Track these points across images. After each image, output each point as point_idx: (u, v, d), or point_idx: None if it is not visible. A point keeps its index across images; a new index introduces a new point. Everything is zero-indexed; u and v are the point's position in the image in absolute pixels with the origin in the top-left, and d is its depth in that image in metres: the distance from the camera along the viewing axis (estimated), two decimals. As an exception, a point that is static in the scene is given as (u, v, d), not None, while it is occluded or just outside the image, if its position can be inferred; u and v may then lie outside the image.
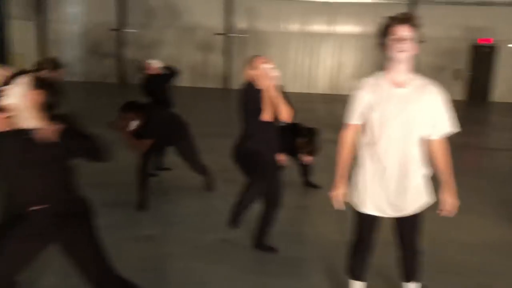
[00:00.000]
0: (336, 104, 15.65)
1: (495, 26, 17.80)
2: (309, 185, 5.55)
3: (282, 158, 5.04)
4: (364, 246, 2.91)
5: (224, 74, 18.87)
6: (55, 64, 4.59)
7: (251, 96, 3.66)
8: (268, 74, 3.62)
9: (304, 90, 18.75)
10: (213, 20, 18.60)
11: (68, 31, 19.10)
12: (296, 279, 3.42)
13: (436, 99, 2.68)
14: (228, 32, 18.57)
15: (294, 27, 18.65)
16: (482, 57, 18.19)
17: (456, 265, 3.75)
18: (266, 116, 3.65)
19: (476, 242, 4.23)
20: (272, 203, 3.74)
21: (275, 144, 3.85)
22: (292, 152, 5.28)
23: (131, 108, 4.71)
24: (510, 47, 17.83)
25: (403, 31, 2.57)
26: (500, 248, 4.12)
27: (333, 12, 18.25)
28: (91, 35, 18.98)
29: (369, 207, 2.78)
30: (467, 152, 8.82)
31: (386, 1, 18.05)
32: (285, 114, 3.64)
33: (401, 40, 2.56)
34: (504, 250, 4.07)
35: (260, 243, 3.84)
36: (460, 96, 18.37)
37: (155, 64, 6.39)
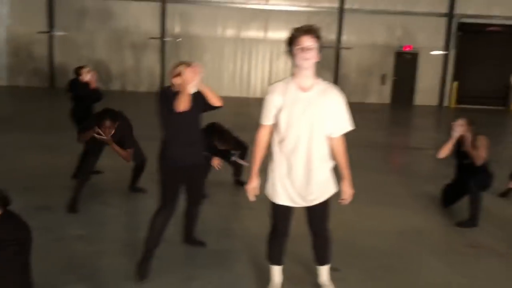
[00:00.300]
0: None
1: (416, 34, 19.12)
2: (239, 183, 5.81)
3: (216, 162, 5.30)
4: (280, 233, 3.20)
5: (159, 79, 18.81)
6: None
7: (165, 100, 3.50)
8: (194, 74, 3.45)
9: (242, 94, 19.12)
10: (148, 24, 18.52)
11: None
12: (222, 269, 3.65)
13: (336, 102, 3.03)
14: (162, 36, 18.54)
15: (230, 32, 18.97)
16: (405, 63, 19.43)
17: (367, 250, 4.14)
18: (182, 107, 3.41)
19: (387, 230, 4.67)
20: (195, 201, 3.90)
21: (194, 141, 3.65)
22: (223, 154, 5.53)
23: (108, 116, 4.87)
24: (429, 54, 19.18)
25: (307, 41, 2.87)
26: (408, 234, 4.58)
27: (267, 19, 18.76)
28: (17, 37, 18.25)
29: (281, 198, 3.07)
30: (391, 152, 9.51)
31: (316, 9, 18.83)
32: (216, 101, 3.60)
33: (305, 49, 2.87)
34: (411, 236, 4.53)
35: (189, 238, 4.04)
36: (387, 100, 19.52)
37: (91, 76, 6.23)
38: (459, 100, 19.23)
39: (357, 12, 18.78)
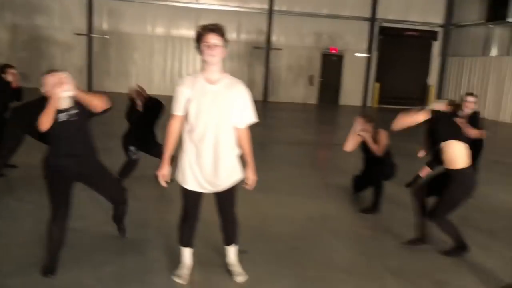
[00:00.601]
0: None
1: (341, 37, 20.04)
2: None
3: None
4: (190, 217, 3.40)
5: (87, 77, 18.32)
6: None
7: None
8: (57, 83, 3.35)
9: (173, 92, 19.01)
10: (74, 19, 17.99)
11: None
12: (137, 255, 3.78)
13: (242, 95, 3.27)
14: (90, 33, 18.09)
15: (160, 30, 18.87)
16: (331, 65, 20.30)
17: (276, 234, 4.44)
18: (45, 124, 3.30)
19: (298, 217, 5.01)
20: (114, 202, 3.94)
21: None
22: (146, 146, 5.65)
23: None
24: (353, 56, 20.18)
25: (213, 39, 3.10)
26: (316, 220, 4.94)
27: (197, 18, 18.83)
28: None
29: (191, 184, 3.28)
30: (315, 148, 9.99)
31: (246, 10, 19.19)
32: (99, 104, 3.51)
33: (211, 46, 3.09)
34: (318, 222, 4.89)
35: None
36: (314, 100, 20.30)
37: (13, 76, 6.10)
38: (381, 101, 20.41)
39: (285, 14, 19.37)
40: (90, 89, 18.25)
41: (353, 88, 20.36)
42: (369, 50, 20.27)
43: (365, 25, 20.12)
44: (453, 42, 20.36)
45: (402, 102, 20.65)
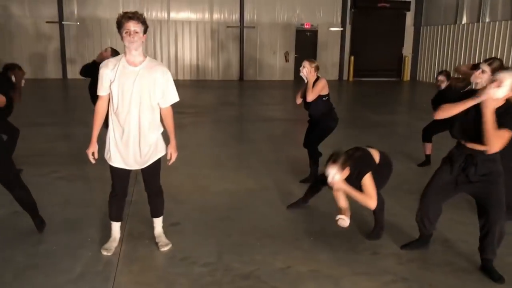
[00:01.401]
0: (180, 89, 16.30)
1: (315, 11, 20.07)
2: None
3: None
4: (118, 193, 3.63)
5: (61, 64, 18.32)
6: None
7: None
8: None
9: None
10: (45, 7, 17.87)
11: None
12: (72, 233, 3.99)
13: (163, 77, 3.46)
14: (61, 20, 18.00)
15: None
16: (306, 40, 20.36)
17: (212, 207, 4.68)
18: None
19: (237, 190, 5.25)
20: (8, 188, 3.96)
21: None
22: None
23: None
24: (328, 30, 20.24)
25: (132, 26, 3.28)
26: (254, 192, 5.18)
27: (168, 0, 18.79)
28: None
29: (117, 162, 3.49)
30: (278, 124, 10.15)
31: (219, -10, 19.14)
32: None
33: (130, 33, 3.27)
34: (256, 193, 5.14)
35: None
36: (291, 76, 20.42)
37: None
38: (357, 74, 20.58)
39: (259, -9, 19.36)
40: (65, 77, 18.28)
41: (329, 63, 20.47)
42: (343, 24, 20.34)
43: (338, -1, 20.16)
44: (425, 12, 20.46)
45: (378, 74, 20.89)
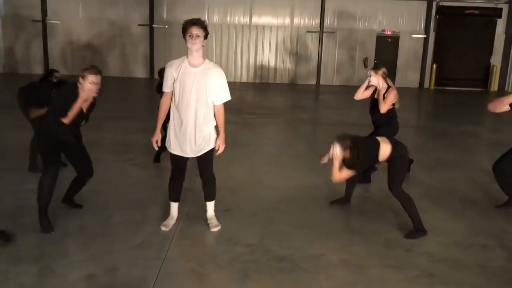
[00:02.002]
0: (256, 91, 16.99)
1: (397, 18, 19.78)
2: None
3: None
4: (176, 177, 4.16)
5: (149, 64, 19.76)
6: None
7: None
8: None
9: (229, 79, 19.89)
10: (137, 11, 19.40)
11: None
12: (139, 211, 4.59)
13: (218, 78, 3.94)
14: (151, 23, 19.42)
15: (216, 18, 19.77)
16: (386, 46, 20.12)
17: (262, 199, 5.06)
18: None
19: (289, 185, 5.59)
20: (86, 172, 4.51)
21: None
22: None
23: None
24: (410, 37, 19.83)
25: (194, 30, 3.79)
26: (305, 188, 5.49)
27: (251, 5, 19.55)
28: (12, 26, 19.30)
29: (175, 149, 4.02)
30: (341, 128, 10.31)
31: (299, -5, 19.55)
32: None
33: (192, 36, 3.78)
34: (306, 189, 5.43)
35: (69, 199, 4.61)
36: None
37: None
38: (438, 82, 19.93)
39: (339, -2, 19.50)
40: (152, 77, 19.68)
41: (409, 70, 20.07)
42: (426, 31, 19.83)
43: (422, 5, 19.69)
44: (519, 19, 19.36)
45: (461, 84, 20.04)
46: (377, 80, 5.40)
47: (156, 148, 4.15)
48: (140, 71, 19.91)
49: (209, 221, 4.28)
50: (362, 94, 5.67)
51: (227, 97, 4.03)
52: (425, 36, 19.83)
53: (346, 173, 4.16)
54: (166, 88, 3.99)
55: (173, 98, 3.98)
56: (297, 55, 20.09)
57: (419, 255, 3.82)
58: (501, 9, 19.46)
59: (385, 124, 5.46)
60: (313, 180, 5.84)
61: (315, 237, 4.12)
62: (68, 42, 19.61)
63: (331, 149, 4.16)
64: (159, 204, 4.78)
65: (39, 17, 19.36)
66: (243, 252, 3.79)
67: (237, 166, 6.30)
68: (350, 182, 4.82)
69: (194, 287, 3.24)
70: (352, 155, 4.06)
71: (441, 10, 19.54)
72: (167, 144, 4.09)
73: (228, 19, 19.78)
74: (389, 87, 5.40)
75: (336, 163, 4.12)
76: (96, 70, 4.13)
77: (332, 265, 3.62)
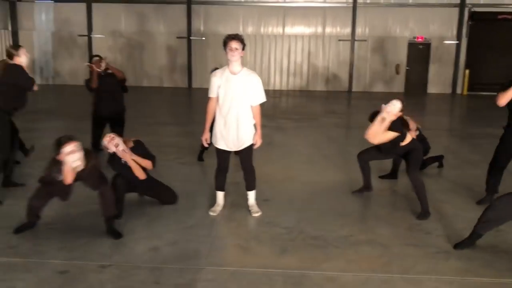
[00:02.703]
0: (289, 98, 17.60)
1: (428, 24, 20.02)
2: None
3: None
4: (221, 169, 4.80)
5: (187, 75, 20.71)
6: None
7: None
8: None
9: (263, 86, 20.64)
10: (175, 25, 20.40)
11: (41, 37, 20.72)
12: (188, 201, 5.23)
13: (255, 82, 4.58)
14: (189, 35, 20.36)
15: (250, 29, 20.55)
16: (418, 53, 20.35)
17: (298, 191, 5.65)
18: None
19: (323, 181, 6.14)
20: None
21: None
22: None
23: None
24: (441, 43, 20.01)
25: (233, 44, 4.44)
26: (338, 183, 6.02)
27: (284, 15, 20.22)
28: (61, 40, 20.63)
29: (220, 144, 4.67)
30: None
31: (331, 5, 20.08)
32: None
33: (232, 49, 4.43)
34: (339, 184, 5.97)
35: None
36: (401, 88, 20.53)
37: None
38: (471, 88, 19.98)
39: (370, 6, 19.90)
40: (190, 86, 20.56)
41: (441, 76, 20.21)
42: (458, 37, 19.96)
43: (454, 12, 19.84)
44: (554, 22, 19.24)
45: (494, 89, 19.73)
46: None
47: (206, 145, 4.80)
48: (179, 81, 20.84)
49: (250, 208, 4.88)
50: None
51: (263, 98, 4.65)
52: (457, 42, 19.94)
53: (391, 135, 4.81)
54: (212, 94, 4.64)
55: (217, 102, 4.62)
56: (329, 63, 20.59)
57: (438, 237, 4.29)
58: (536, 13, 19.40)
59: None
60: (343, 177, 6.37)
61: (345, 222, 4.66)
62: (111, 54, 20.78)
63: (389, 106, 4.83)
64: (205, 195, 5.42)
65: (85, 31, 20.63)
66: (281, 232, 4.37)
67: (273, 165, 6.89)
68: (364, 170, 5.42)
69: (240, 258, 3.84)
70: (403, 119, 4.87)
71: (473, 15, 19.64)
72: (213, 141, 4.73)
73: (262, 29, 20.49)
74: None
75: (388, 120, 4.75)
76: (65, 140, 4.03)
77: (360, 243, 4.15)
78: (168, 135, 9.21)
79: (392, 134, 4.81)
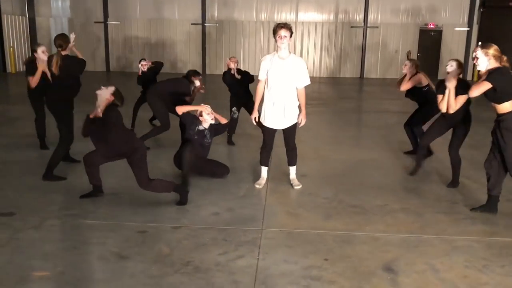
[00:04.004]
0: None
1: (440, 11, 20.32)
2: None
3: None
4: (267, 146, 5.31)
5: (201, 60, 21.13)
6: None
7: None
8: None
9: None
10: (190, 11, 20.78)
11: (57, 24, 21.16)
12: (234, 176, 5.75)
13: (301, 67, 5.05)
14: (203, 22, 20.76)
15: (264, 16, 20.91)
16: (430, 40, 20.69)
17: (331, 168, 6.18)
18: None
19: (350, 159, 6.67)
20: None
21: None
22: None
23: None
24: (453, 30, 20.33)
25: (283, 32, 4.91)
26: (364, 161, 6.54)
27: (297, 2, 20.56)
28: (78, 27, 21.04)
29: (268, 123, 5.18)
30: (388, 115, 11.24)
31: (343, -8, 20.40)
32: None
33: (281, 37, 4.91)
34: (366, 162, 6.49)
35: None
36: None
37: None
38: (482, 74, 20.32)
39: (383, -7, 20.22)
40: (204, 71, 21.00)
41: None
42: (469, 24, 20.26)
43: (465, -1, 20.14)
44: None
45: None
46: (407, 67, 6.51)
47: (254, 123, 5.28)
48: (193, 66, 21.24)
49: (292, 182, 5.41)
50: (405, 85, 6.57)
51: (307, 81, 5.13)
52: (468, 29, 20.26)
53: (462, 99, 5.03)
54: (262, 76, 5.12)
55: (266, 84, 5.11)
56: (342, 49, 20.96)
57: (464, 206, 4.81)
58: (546, 0, 19.64)
59: (424, 103, 6.52)
60: (369, 155, 6.90)
61: (379, 193, 5.19)
62: (128, 40, 21.22)
63: (448, 67, 5.25)
64: (248, 171, 5.96)
65: (101, 18, 21.05)
66: (323, 202, 4.90)
67: (303, 146, 7.35)
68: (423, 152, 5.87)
69: (293, 222, 4.37)
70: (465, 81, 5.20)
71: (484, 2, 19.91)
72: (262, 119, 5.22)
73: (276, 16, 20.85)
74: (416, 72, 6.50)
75: (452, 87, 4.99)
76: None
77: (395, 211, 4.67)
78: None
79: (463, 98, 5.04)
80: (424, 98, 6.51)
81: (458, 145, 5.36)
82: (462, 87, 4.97)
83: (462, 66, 5.33)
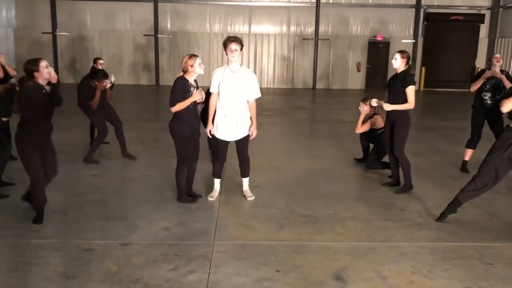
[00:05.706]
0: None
1: (388, 24, 21.09)
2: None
3: None
4: (219, 157, 5.29)
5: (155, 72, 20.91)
6: None
7: None
8: None
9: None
10: (142, 22, 20.54)
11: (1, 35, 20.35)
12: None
13: (251, 80, 5.09)
14: (156, 33, 20.56)
15: (217, 27, 20.96)
16: (378, 51, 21.40)
17: (283, 178, 6.24)
18: None
19: (302, 169, 6.76)
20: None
21: None
22: None
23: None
24: (399, 42, 21.13)
25: (233, 45, 4.93)
26: (316, 170, 6.65)
27: (250, 14, 20.78)
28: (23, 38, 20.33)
29: (220, 135, 5.16)
30: (340, 125, 11.49)
31: (295, 5, 20.80)
32: None
33: (232, 50, 4.93)
34: (317, 171, 6.59)
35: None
36: (362, 85, 21.54)
37: None
38: (428, 84, 21.24)
39: (333, 6, 20.75)
40: (158, 83, 20.75)
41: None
42: (415, 36, 21.13)
43: (411, 12, 21.00)
44: (501, 24, 20.72)
45: (449, 85, 21.36)
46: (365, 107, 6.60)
47: (210, 136, 5.24)
48: (146, 78, 21.00)
49: (245, 193, 5.41)
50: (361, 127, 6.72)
51: (258, 94, 5.18)
52: (414, 41, 21.12)
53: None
54: (213, 89, 5.12)
55: (218, 97, 5.11)
56: (294, 61, 21.32)
57: (411, 213, 4.98)
58: (484, 15, 20.83)
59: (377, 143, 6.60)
60: (321, 165, 7.02)
61: (329, 202, 5.28)
62: (77, 52, 20.68)
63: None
64: (200, 183, 5.90)
65: (49, 29, 20.43)
66: (275, 212, 4.93)
67: (257, 157, 7.38)
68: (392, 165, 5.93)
69: (246, 234, 4.37)
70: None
71: (428, 16, 20.86)
72: (214, 132, 5.21)
73: (229, 28, 20.95)
74: (374, 113, 6.62)
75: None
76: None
77: (344, 220, 4.76)
78: (151, 131, 9.59)
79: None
80: (377, 140, 6.55)
81: (401, 147, 5.58)
82: None
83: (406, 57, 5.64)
